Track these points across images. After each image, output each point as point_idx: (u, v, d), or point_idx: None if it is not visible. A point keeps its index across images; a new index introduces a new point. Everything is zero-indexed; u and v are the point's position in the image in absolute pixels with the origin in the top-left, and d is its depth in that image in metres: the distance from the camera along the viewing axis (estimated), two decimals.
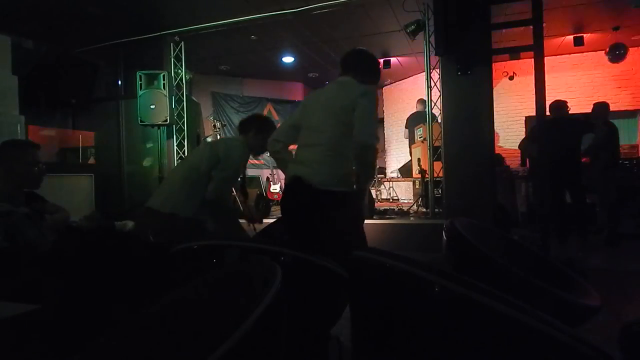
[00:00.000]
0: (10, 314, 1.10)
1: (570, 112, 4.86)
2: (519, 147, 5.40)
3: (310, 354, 1.45)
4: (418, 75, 8.34)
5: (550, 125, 4.09)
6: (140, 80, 5.54)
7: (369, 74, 2.25)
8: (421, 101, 6.83)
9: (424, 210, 5.46)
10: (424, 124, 6.43)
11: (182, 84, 6.00)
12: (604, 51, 6.62)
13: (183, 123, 6.01)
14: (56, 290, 1.62)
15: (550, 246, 3.75)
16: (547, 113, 4.20)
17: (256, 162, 8.79)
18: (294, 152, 2.22)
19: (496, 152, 5.32)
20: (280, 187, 7.91)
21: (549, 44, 6.47)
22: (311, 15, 5.28)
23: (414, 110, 6.98)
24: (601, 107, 4.82)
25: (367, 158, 2.07)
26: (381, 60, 7.66)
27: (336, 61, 8.38)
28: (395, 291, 1.01)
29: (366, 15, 5.59)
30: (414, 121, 6.73)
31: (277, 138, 2.27)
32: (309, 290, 1.37)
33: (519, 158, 7.06)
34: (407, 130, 7.00)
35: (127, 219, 2.78)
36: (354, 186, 2.12)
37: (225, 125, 7.60)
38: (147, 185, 6.16)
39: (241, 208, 5.04)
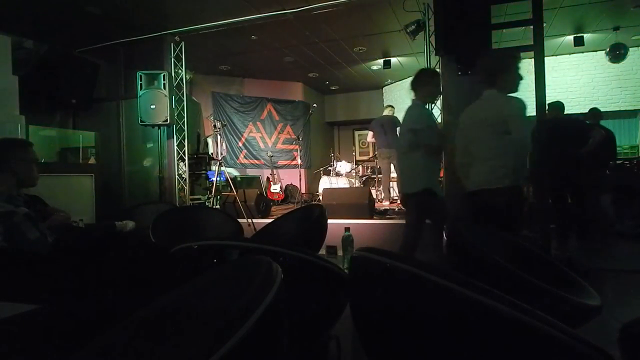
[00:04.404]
0: (10, 314, 1.10)
1: (568, 112, 4.87)
2: None
3: (310, 354, 1.45)
4: None
5: (550, 126, 4.09)
6: (141, 80, 5.54)
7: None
8: (389, 107, 6.82)
9: None
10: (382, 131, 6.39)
11: (182, 84, 6.00)
12: (604, 51, 6.62)
13: (183, 123, 6.01)
14: (56, 290, 1.62)
15: (550, 246, 3.74)
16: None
17: (256, 162, 8.80)
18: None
19: None
20: (280, 187, 7.91)
21: (549, 44, 6.48)
22: (311, 15, 5.28)
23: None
24: (594, 115, 4.89)
25: None
26: (381, 61, 7.67)
27: (336, 61, 8.44)
28: (395, 291, 1.01)
29: (366, 15, 5.59)
30: (376, 125, 6.54)
31: None
32: (309, 290, 1.37)
33: None
34: (371, 132, 6.67)
35: (128, 219, 2.77)
36: None
37: (225, 125, 7.59)
38: (147, 185, 6.16)
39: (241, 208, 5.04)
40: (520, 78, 2.49)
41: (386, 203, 6.68)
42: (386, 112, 6.81)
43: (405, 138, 2.85)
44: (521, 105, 2.37)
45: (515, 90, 2.47)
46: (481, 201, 2.41)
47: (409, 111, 2.93)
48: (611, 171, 4.78)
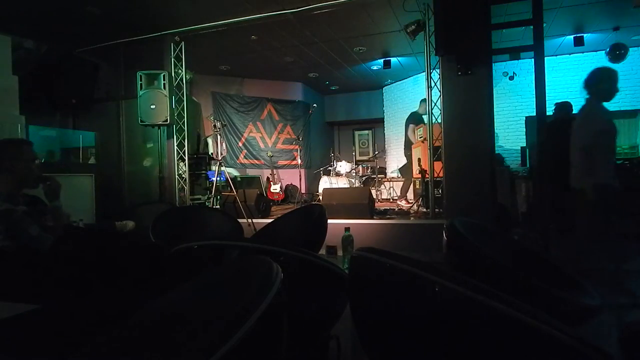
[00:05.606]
0: (10, 314, 1.11)
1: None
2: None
3: (311, 353, 1.45)
4: (418, 75, 8.35)
5: (558, 126, 4.09)
6: (141, 80, 5.54)
7: None
8: (421, 101, 6.77)
9: (424, 210, 5.46)
10: (414, 125, 6.45)
11: (182, 84, 6.00)
12: (604, 51, 6.62)
13: (183, 123, 6.01)
14: (56, 290, 1.62)
15: (550, 246, 3.74)
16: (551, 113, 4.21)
17: (256, 162, 8.80)
18: None
19: (496, 152, 5.32)
20: (280, 188, 7.91)
21: (549, 44, 6.48)
22: (311, 15, 5.28)
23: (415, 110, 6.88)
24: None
25: None
26: (381, 61, 7.67)
27: (336, 61, 8.47)
28: (395, 291, 1.01)
29: (366, 16, 5.59)
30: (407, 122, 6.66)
31: None
32: (309, 290, 1.37)
33: (519, 158, 7.06)
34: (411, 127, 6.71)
35: (128, 219, 2.78)
36: None
37: (225, 125, 7.59)
38: (147, 185, 6.16)
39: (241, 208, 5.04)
40: None
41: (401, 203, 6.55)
42: (418, 109, 6.69)
43: (586, 137, 2.91)
44: None
45: None
46: None
47: (592, 110, 2.94)
48: None
